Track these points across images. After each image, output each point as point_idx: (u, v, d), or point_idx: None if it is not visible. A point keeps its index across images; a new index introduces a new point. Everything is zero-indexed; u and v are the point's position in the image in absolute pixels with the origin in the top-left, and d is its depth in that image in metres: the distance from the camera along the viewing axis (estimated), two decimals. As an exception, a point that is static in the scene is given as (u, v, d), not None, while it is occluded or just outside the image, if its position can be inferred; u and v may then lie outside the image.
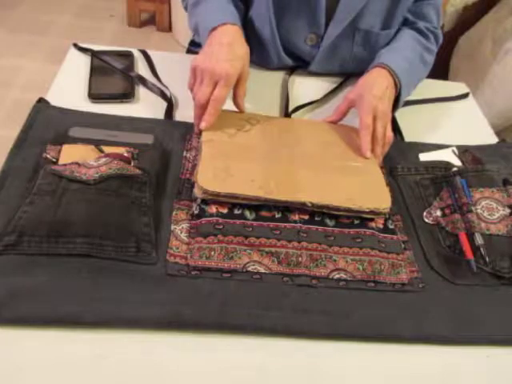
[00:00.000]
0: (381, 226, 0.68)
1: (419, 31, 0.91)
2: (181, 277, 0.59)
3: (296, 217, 0.66)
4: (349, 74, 0.96)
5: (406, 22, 0.92)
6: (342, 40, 0.89)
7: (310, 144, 0.76)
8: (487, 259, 0.65)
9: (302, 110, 0.88)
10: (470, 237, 0.67)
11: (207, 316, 0.56)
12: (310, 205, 0.65)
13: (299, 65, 0.97)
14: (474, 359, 0.58)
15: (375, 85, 0.78)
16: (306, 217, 0.66)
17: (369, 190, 0.69)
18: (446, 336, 0.59)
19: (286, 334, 0.57)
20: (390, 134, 0.77)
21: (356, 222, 0.67)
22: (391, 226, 0.69)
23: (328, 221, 0.67)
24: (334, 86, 0.95)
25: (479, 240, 0.66)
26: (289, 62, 0.95)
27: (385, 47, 0.89)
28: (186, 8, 0.92)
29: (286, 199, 0.65)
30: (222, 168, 0.67)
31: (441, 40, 0.94)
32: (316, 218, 0.66)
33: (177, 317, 0.55)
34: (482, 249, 0.66)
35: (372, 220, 0.67)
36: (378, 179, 0.72)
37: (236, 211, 0.65)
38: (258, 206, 0.66)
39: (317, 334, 0.57)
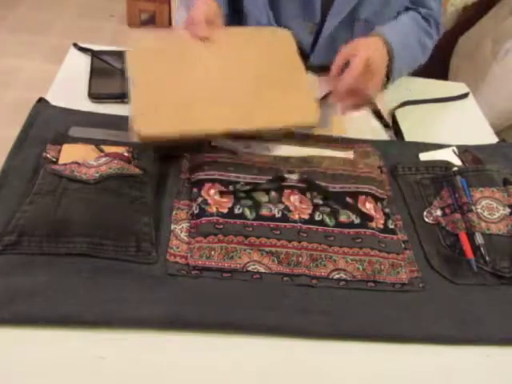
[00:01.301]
0: (381, 226, 0.68)
1: (419, 14, 0.90)
2: (181, 276, 0.59)
3: (296, 217, 0.66)
4: None
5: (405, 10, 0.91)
6: (341, 30, 0.89)
7: (237, 63, 0.75)
8: (487, 259, 0.65)
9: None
10: (471, 236, 0.67)
11: (207, 316, 0.56)
12: (242, 131, 0.67)
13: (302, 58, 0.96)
14: (474, 359, 0.58)
15: (371, 43, 0.76)
16: (306, 216, 0.66)
17: (295, 106, 0.71)
18: (446, 335, 0.59)
19: (285, 334, 0.57)
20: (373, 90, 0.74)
21: (356, 222, 0.67)
22: (391, 226, 0.69)
23: (328, 221, 0.66)
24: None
25: (479, 239, 0.66)
26: None
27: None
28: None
29: (222, 131, 0.67)
30: (155, 108, 0.67)
31: (441, 28, 0.92)
32: (316, 218, 0.66)
33: (177, 316, 0.55)
34: (482, 248, 0.66)
35: (372, 220, 0.68)
36: (305, 93, 0.73)
37: (236, 211, 0.65)
38: (258, 204, 0.66)
39: (317, 334, 0.57)
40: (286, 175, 0.70)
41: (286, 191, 0.68)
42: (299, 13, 0.88)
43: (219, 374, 0.53)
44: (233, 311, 0.57)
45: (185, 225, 0.64)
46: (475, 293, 0.64)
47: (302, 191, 0.69)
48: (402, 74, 0.85)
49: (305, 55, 0.95)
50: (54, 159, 0.68)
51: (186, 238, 0.63)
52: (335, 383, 0.55)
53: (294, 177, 0.70)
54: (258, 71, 0.74)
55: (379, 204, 0.70)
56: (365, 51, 0.73)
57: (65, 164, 0.65)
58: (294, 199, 0.68)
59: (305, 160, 0.75)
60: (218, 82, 0.72)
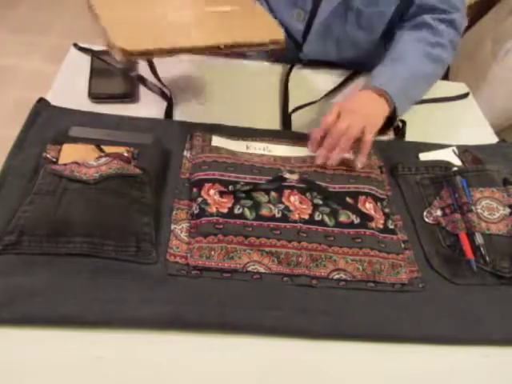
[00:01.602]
0: (381, 227, 0.68)
1: (425, 26, 0.87)
2: (181, 276, 0.59)
3: (296, 216, 0.66)
4: (348, 76, 0.96)
5: (409, 17, 0.90)
6: (334, 19, 0.89)
7: None
8: (487, 259, 0.65)
9: (301, 110, 0.88)
10: (471, 236, 0.67)
11: (207, 316, 0.56)
12: (222, 47, 0.66)
13: (294, 53, 0.96)
14: (473, 359, 0.58)
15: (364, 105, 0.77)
16: (306, 217, 0.66)
17: (261, 25, 0.72)
18: (445, 336, 0.59)
19: (286, 334, 0.57)
20: (367, 138, 0.73)
21: (356, 222, 0.67)
22: (391, 226, 0.68)
23: (328, 221, 0.66)
24: (334, 85, 0.95)
25: (479, 240, 0.66)
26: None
27: (384, 59, 0.86)
28: None
29: (202, 45, 0.66)
30: (129, 25, 0.67)
31: (459, 23, 0.90)
32: (316, 218, 0.66)
33: (177, 317, 0.55)
34: (482, 248, 0.66)
35: (372, 220, 0.68)
36: (260, 14, 0.75)
37: (236, 211, 0.65)
38: (258, 205, 0.66)
39: (317, 334, 0.57)
40: (286, 175, 0.70)
41: (286, 191, 0.68)
42: None
43: (219, 374, 0.53)
44: (233, 311, 0.57)
45: (185, 225, 0.64)
46: (475, 293, 0.64)
47: (302, 191, 0.69)
48: (413, 98, 0.85)
49: (297, 45, 0.95)
50: (54, 159, 0.68)
51: (186, 238, 0.63)
52: (335, 383, 0.55)
53: (294, 177, 0.70)
54: None
55: (379, 204, 0.70)
56: (336, 105, 0.75)
57: (65, 164, 0.65)
58: (293, 199, 0.68)
59: (305, 161, 0.75)
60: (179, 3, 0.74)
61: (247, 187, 0.67)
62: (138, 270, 0.59)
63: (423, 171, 0.78)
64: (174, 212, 0.66)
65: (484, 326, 0.61)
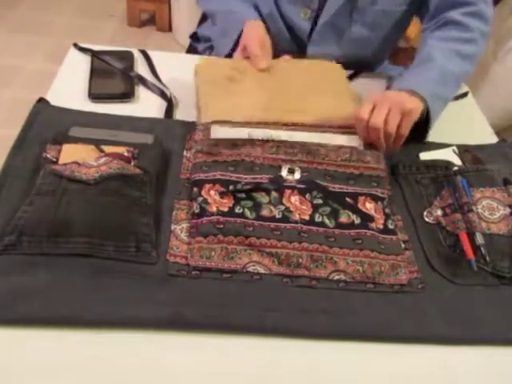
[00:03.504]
0: (381, 227, 0.68)
1: (452, 23, 0.85)
2: (181, 277, 0.59)
3: (297, 217, 0.66)
4: (349, 76, 0.96)
5: (432, 16, 0.88)
6: (339, 18, 0.89)
7: (295, 80, 0.87)
8: (488, 259, 0.65)
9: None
10: (471, 236, 0.67)
11: (207, 316, 0.56)
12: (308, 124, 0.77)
13: (299, 51, 0.96)
14: (474, 359, 0.58)
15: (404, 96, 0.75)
16: (307, 217, 0.66)
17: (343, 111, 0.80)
18: (446, 336, 0.59)
19: (286, 334, 0.57)
20: (403, 131, 0.73)
21: (357, 222, 0.67)
22: (391, 227, 0.68)
23: (328, 222, 0.66)
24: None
25: (480, 239, 0.66)
26: (287, 39, 0.95)
27: (413, 62, 0.84)
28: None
29: (286, 121, 0.77)
30: (223, 101, 0.79)
31: (487, 12, 0.86)
32: (316, 220, 0.66)
33: (177, 317, 0.55)
34: (482, 248, 0.66)
35: (372, 221, 0.67)
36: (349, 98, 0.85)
37: (237, 210, 0.65)
38: (259, 205, 0.66)
39: (317, 334, 0.57)
40: (286, 176, 0.70)
41: (287, 191, 0.68)
42: None
43: (219, 374, 0.53)
44: (233, 312, 0.57)
45: (185, 225, 0.64)
46: (475, 293, 0.64)
47: (302, 193, 0.68)
48: (445, 97, 0.82)
49: (302, 45, 0.95)
50: (54, 159, 0.68)
51: (186, 238, 0.63)
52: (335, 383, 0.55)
53: (295, 177, 0.70)
54: (307, 83, 0.86)
55: (380, 203, 0.70)
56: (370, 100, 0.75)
57: (65, 164, 0.65)
58: (294, 200, 0.67)
59: (309, 151, 0.74)
60: (273, 89, 0.84)
61: (248, 187, 0.67)
62: (138, 271, 0.59)
63: (423, 171, 0.77)
64: (174, 212, 0.66)
65: (484, 325, 0.60)
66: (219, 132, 0.74)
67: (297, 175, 0.70)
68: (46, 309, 0.54)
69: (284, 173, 0.70)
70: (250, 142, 0.74)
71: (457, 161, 0.80)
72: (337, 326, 0.58)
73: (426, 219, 0.71)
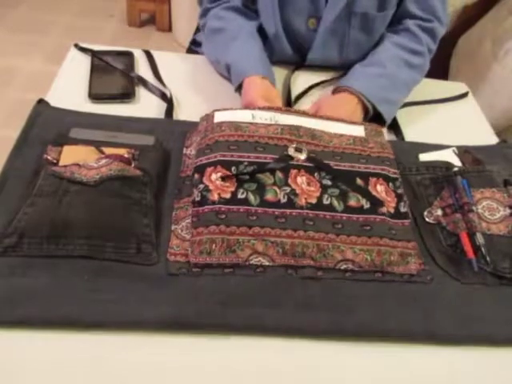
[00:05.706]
0: (392, 211, 0.65)
1: (408, 31, 0.91)
2: (182, 276, 0.59)
3: (303, 201, 0.63)
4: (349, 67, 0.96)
5: (394, 21, 0.93)
6: (338, 24, 0.89)
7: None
8: (488, 259, 0.65)
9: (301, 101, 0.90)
10: (471, 236, 0.67)
11: (208, 316, 0.56)
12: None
13: (298, 59, 0.97)
14: (474, 359, 0.58)
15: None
16: (314, 201, 0.63)
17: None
18: (448, 333, 0.59)
19: (287, 334, 0.57)
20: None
21: (366, 207, 0.65)
22: (403, 210, 0.66)
23: (337, 204, 0.64)
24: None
25: (480, 240, 0.66)
26: (288, 49, 0.95)
27: (362, 61, 0.91)
28: (202, 28, 0.96)
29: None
30: None
31: (438, 33, 0.93)
32: (324, 202, 0.63)
33: (178, 317, 0.55)
34: (482, 248, 0.66)
35: (382, 205, 0.65)
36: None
37: (239, 195, 0.62)
38: (263, 187, 0.63)
39: (319, 331, 0.57)
40: (293, 154, 0.67)
41: (293, 171, 0.65)
42: (304, 7, 0.88)
43: (220, 374, 0.53)
44: (233, 311, 0.57)
45: (185, 223, 0.64)
46: (476, 292, 0.64)
47: (310, 171, 0.66)
48: (395, 101, 0.88)
49: (302, 52, 0.95)
50: (55, 161, 0.68)
51: (186, 235, 0.62)
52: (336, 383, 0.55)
53: (302, 156, 0.67)
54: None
55: (391, 185, 0.68)
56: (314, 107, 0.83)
57: (65, 165, 0.65)
58: (301, 181, 0.65)
59: (314, 135, 0.72)
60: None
61: (251, 168, 0.64)
62: (139, 272, 0.59)
63: (424, 171, 0.78)
64: (174, 212, 0.66)
65: (485, 325, 0.60)
66: (222, 116, 0.72)
67: (304, 154, 0.67)
68: (46, 310, 0.54)
69: (291, 151, 0.67)
70: (254, 124, 0.71)
71: (457, 162, 0.80)
72: (341, 322, 0.57)
73: (427, 219, 0.71)
